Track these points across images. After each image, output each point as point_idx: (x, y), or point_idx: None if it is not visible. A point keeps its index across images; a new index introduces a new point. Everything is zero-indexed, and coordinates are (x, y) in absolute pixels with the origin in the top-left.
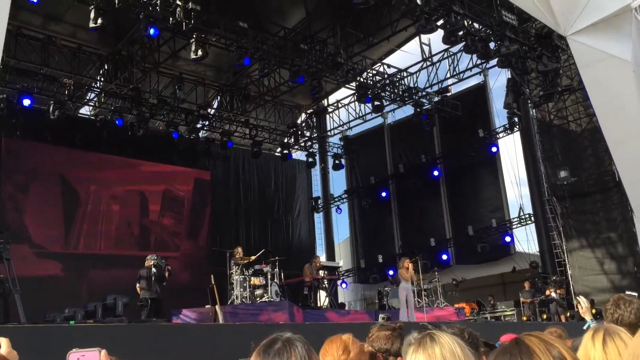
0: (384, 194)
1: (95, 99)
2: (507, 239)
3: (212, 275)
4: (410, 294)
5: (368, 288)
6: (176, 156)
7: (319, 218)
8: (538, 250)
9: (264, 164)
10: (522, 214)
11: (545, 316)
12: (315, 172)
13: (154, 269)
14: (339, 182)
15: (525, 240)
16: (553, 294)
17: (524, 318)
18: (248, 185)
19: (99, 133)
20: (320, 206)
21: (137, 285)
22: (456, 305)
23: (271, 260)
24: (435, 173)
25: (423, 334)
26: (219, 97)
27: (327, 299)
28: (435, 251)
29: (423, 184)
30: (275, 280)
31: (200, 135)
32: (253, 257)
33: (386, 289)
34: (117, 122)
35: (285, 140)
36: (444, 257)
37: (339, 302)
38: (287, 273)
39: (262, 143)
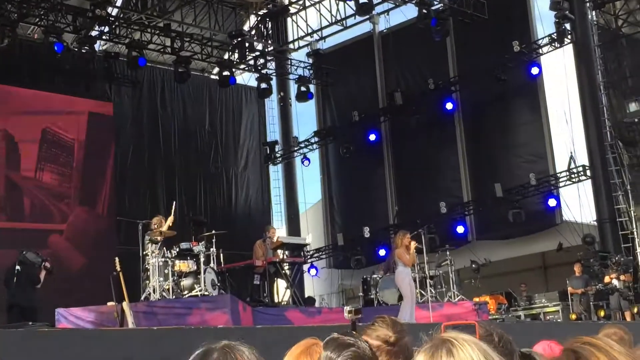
0: (372, 137)
1: None
2: (552, 202)
3: (116, 258)
4: (412, 283)
5: (348, 275)
6: (60, 79)
7: (276, 173)
8: (595, 219)
9: (194, 91)
10: (573, 166)
11: (603, 313)
12: (271, 105)
13: (18, 267)
14: (306, 119)
15: (578, 204)
16: (615, 282)
17: (573, 316)
18: (169, 123)
19: None
20: (278, 155)
21: None
22: (476, 299)
23: (205, 235)
24: (449, 106)
25: (435, 341)
26: None
27: (289, 291)
28: (447, 221)
29: (430, 123)
30: (212, 264)
31: (96, 49)
32: (170, 220)
33: (375, 276)
34: None
35: (226, 57)
36: (460, 229)
37: (306, 296)
38: (230, 254)
39: (190, 60)
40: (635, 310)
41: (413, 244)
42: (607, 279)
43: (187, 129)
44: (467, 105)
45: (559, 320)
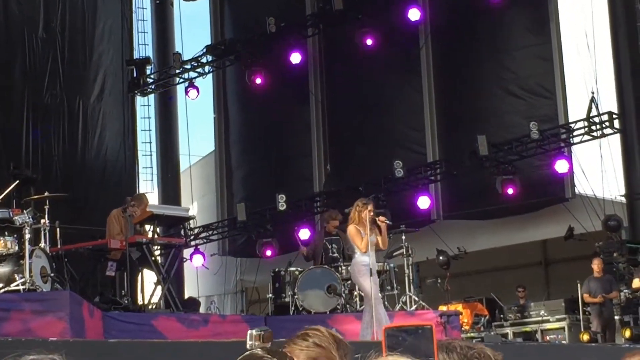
0: (295, 59)
1: None
2: (561, 166)
3: None
4: (376, 279)
5: (251, 267)
6: None
7: (146, 108)
8: (623, 193)
9: None
10: (594, 113)
11: (629, 333)
12: (142, 3)
13: None
14: (195, 27)
15: (599, 170)
16: None
17: (585, 337)
18: None
19: None
20: (150, 81)
21: None
22: (443, 308)
23: (34, 198)
24: (413, 15)
25: None
26: None
27: (161, 289)
28: (404, 190)
29: (383, 39)
30: (43, 244)
31: None
32: None
33: (292, 269)
34: None
35: None
36: (422, 202)
37: (187, 296)
38: (71, 230)
39: None
40: None
41: (382, 220)
42: (636, 283)
43: (9, 34)
44: (441, 15)
45: (564, 342)
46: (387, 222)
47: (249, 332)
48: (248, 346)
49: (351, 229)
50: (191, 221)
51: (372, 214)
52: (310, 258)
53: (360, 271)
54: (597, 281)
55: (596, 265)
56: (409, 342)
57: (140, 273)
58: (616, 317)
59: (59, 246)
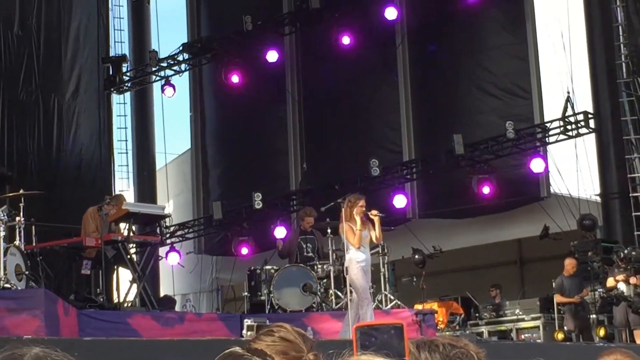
0: (272, 57)
1: None
2: (536, 165)
3: None
4: (369, 277)
5: (227, 266)
6: None
7: (122, 106)
8: (598, 192)
9: None
10: (570, 112)
11: (603, 332)
12: (118, 1)
13: None
14: (171, 25)
15: (574, 169)
16: (622, 286)
17: (559, 335)
18: None
19: None
20: (126, 78)
21: None
22: (419, 307)
23: (9, 195)
24: (390, 14)
25: None
26: None
27: (136, 287)
28: (380, 188)
29: (361, 38)
30: (18, 242)
31: None
32: None
33: (267, 267)
34: None
35: None
36: (398, 201)
37: (162, 295)
38: (47, 227)
39: None
40: None
41: (375, 214)
42: (610, 282)
43: None
44: (417, 14)
45: (539, 340)
46: (380, 214)
47: (246, 320)
48: (245, 335)
49: (343, 226)
50: (167, 219)
51: (364, 208)
52: (285, 255)
53: (355, 268)
54: (571, 280)
55: (570, 264)
56: (381, 341)
57: (115, 271)
58: (592, 316)
59: (34, 244)
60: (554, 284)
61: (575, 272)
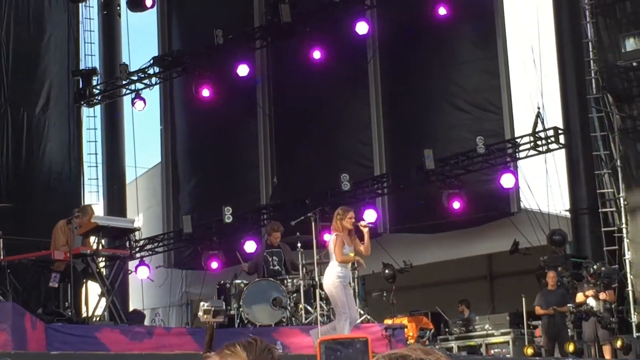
0: (243, 71)
1: None
2: (506, 181)
3: None
4: (350, 293)
5: (197, 280)
6: None
7: (92, 119)
8: (568, 208)
9: None
10: (540, 128)
11: (572, 347)
12: (89, 13)
13: None
14: (142, 38)
15: (544, 185)
16: (592, 302)
17: (529, 350)
18: None
19: None
20: (96, 92)
21: None
22: (389, 322)
23: None
24: (361, 29)
25: None
26: None
27: (105, 300)
28: (351, 203)
29: (332, 53)
30: None
31: None
32: None
33: (237, 282)
34: None
35: None
36: (369, 215)
37: (132, 309)
38: (15, 241)
39: None
40: (619, 344)
41: (364, 225)
42: (580, 297)
43: None
44: (388, 28)
45: (508, 355)
46: (369, 225)
47: (202, 303)
48: (201, 317)
49: (334, 237)
50: (136, 233)
51: (353, 220)
52: (252, 272)
53: (334, 282)
54: (551, 294)
55: (551, 278)
56: (346, 355)
57: (84, 285)
58: (566, 331)
59: (1, 257)
60: (538, 298)
61: (554, 286)
